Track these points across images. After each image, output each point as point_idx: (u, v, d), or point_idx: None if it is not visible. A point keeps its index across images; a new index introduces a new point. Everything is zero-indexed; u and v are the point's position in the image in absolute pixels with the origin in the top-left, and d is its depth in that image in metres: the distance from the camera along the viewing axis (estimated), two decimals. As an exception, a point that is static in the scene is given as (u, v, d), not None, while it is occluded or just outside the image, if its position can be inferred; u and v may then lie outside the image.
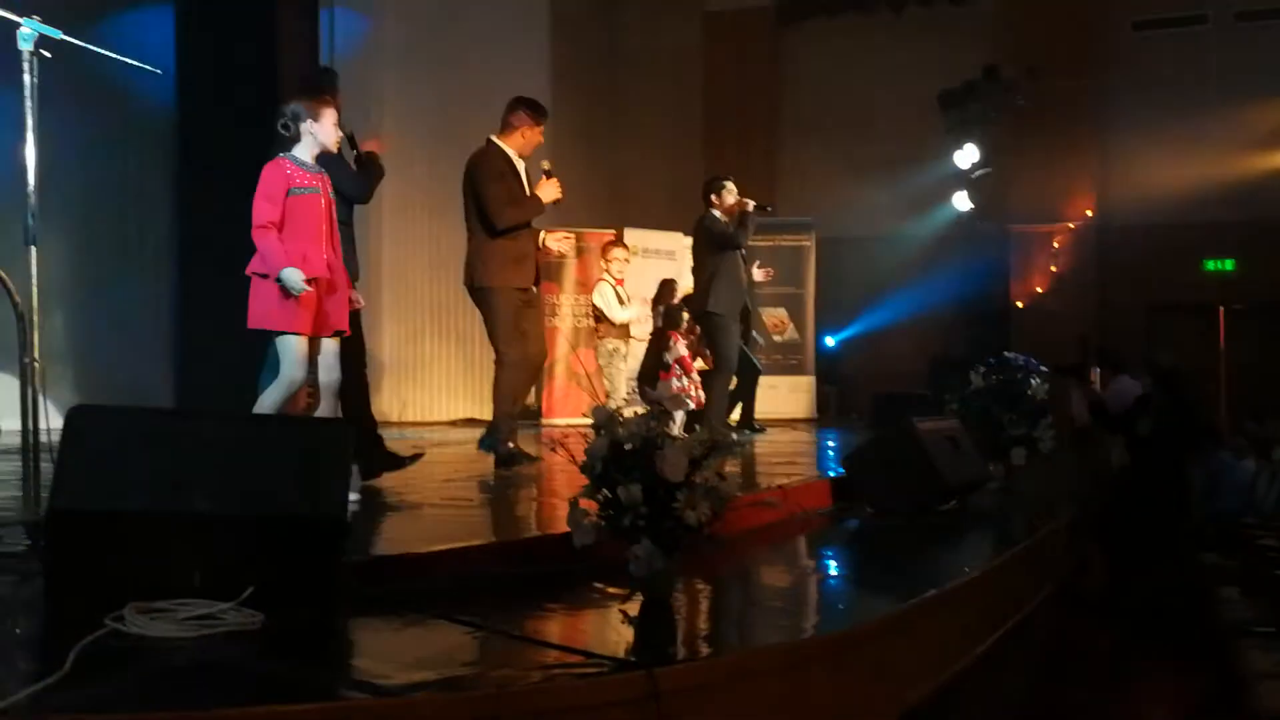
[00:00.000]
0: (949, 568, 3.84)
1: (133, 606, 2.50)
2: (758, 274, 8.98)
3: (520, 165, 6.04)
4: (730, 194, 7.78)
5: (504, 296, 5.91)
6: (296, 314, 4.40)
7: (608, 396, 7.81)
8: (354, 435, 2.97)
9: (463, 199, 6.08)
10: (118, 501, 2.64)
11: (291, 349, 4.41)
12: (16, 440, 3.55)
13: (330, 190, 4.69)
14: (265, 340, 4.62)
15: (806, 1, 14.08)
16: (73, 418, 2.72)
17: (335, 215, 4.71)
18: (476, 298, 6.05)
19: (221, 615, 2.55)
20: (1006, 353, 7.46)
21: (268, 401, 4.39)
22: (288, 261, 4.33)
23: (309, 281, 4.37)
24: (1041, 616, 4.80)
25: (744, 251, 7.99)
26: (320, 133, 4.61)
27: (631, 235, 11.09)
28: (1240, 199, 12.68)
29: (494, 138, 6.05)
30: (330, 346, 4.64)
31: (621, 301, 8.43)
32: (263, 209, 4.43)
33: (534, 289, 6.14)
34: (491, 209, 5.87)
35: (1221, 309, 13.09)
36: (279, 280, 4.32)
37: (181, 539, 2.67)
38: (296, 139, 4.60)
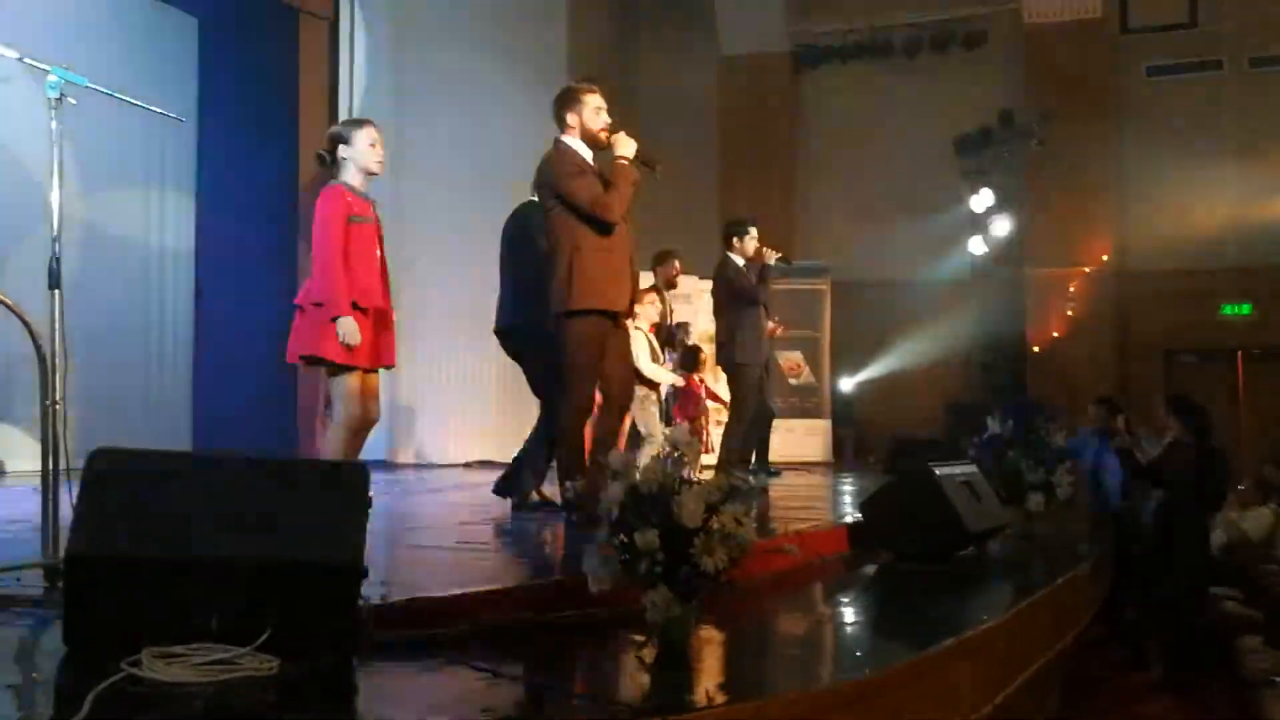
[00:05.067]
0: (968, 615, 3.81)
1: (149, 651, 2.50)
2: (770, 326, 8.78)
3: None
4: (752, 240, 7.73)
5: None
6: (356, 348, 4.34)
7: (644, 440, 7.55)
8: (369, 477, 2.96)
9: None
10: (136, 545, 2.64)
11: (349, 384, 4.35)
12: (33, 481, 3.57)
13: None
14: (291, 373, 4.59)
15: (822, 47, 14.18)
16: (93, 461, 2.73)
17: (383, 242, 4.65)
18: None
19: (238, 660, 2.54)
20: (1023, 397, 7.45)
21: (331, 446, 4.32)
22: (344, 307, 4.26)
23: (365, 313, 4.33)
24: (1064, 663, 4.75)
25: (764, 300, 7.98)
26: (356, 156, 4.54)
27: (647, 278, 11.12)
28: (1257, 243, 12.68)
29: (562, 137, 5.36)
30: (374, 381, 4.59)
31: (655, 355, 7.86)
32: (330, 239, 4.32)
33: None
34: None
35: (1240, 354, 13.03)
36: (335, 322, 4.26)
37: (199, 583, 2.67)
38: (336, 167, 4.54)
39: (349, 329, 4.26)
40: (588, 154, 5.29)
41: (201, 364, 10.45)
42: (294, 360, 4.49)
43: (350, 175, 4.52)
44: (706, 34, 14.50)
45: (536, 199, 5.88)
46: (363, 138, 4.54)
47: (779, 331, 9.02)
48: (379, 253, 4.59)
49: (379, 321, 4.49)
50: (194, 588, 2.67)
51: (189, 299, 10.47)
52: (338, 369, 4.38)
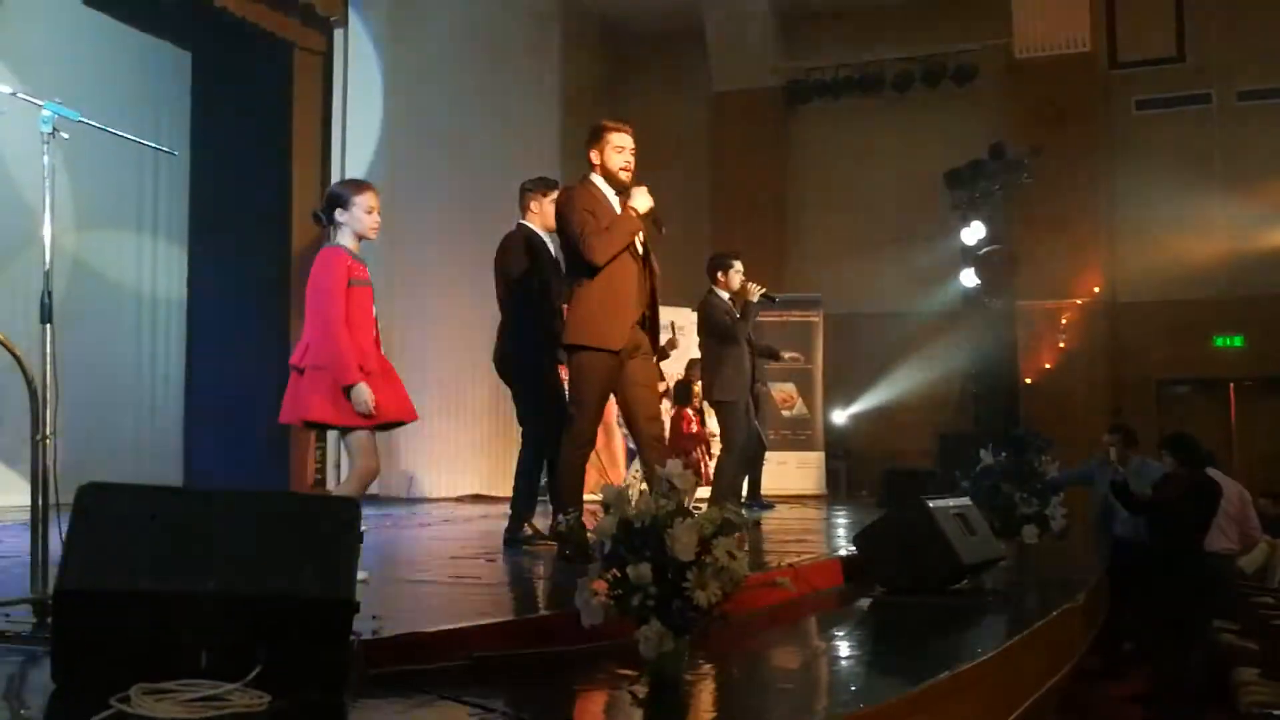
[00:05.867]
0: (962, 648, 3.79)
1: (139, 688, 2.48)
2: (785, 356, 8.74)
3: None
4: (737, 274, 7.65)
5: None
6: (355, 409, 4.34)
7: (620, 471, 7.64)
8: (359, 511, 2.95)
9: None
10: (125, 580, 2.63)
11: (364, 441, 4.37)
12: (22, 517, 3.55)
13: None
14: (285, 428, 4.58)
15: (813, 82, 14.28)
16: (82, 495, 2.72)
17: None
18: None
19: (228, 696, 2.52)
20: (1018, 431, 7.46)
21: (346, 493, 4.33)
22: (353, 374, 4.25)
23: (369, 374, 4.33)
24: (1060, 696, 4.73)
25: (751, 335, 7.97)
26: (353, 221, 4.50)
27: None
28: (1249, 275, 12.74)
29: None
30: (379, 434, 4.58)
31: None
32: (332, 304, 4.31)
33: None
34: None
35: (1232, 385, 13.07)
36: (347, 392, 4.26)
37: (189, 618, 2.65)
38: (333, 227, 4.51)
39: (363, 397, 4.26)
40: (612, 195, 5.29)
41: (194, 403, 10.42)
42: (290, 421, 4.47)
43: (346, 237, 4.50)
44: (698, 70, 14.61)
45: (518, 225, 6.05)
46: (361, 203, 4.49)
47: (794, 359, 8.98)
48: (373, 317, 4.61)
49: (385, 379, 4.48)
50: (184, 623, 2.65)
51: (181, 336, 10.46)
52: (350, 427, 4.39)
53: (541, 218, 6.17)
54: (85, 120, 3.65)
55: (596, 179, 5.31)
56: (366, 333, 4.43)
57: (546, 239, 6.19)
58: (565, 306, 5.53)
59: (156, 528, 2.71)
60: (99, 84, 9.13)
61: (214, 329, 10.30)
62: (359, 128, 11.40)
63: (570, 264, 5.34)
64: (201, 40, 10.50)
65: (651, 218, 5.31)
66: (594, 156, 5.31)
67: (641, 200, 5.22)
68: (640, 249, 5.30)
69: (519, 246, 6.10)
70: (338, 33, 11.65)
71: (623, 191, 5.28)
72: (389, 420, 4.44)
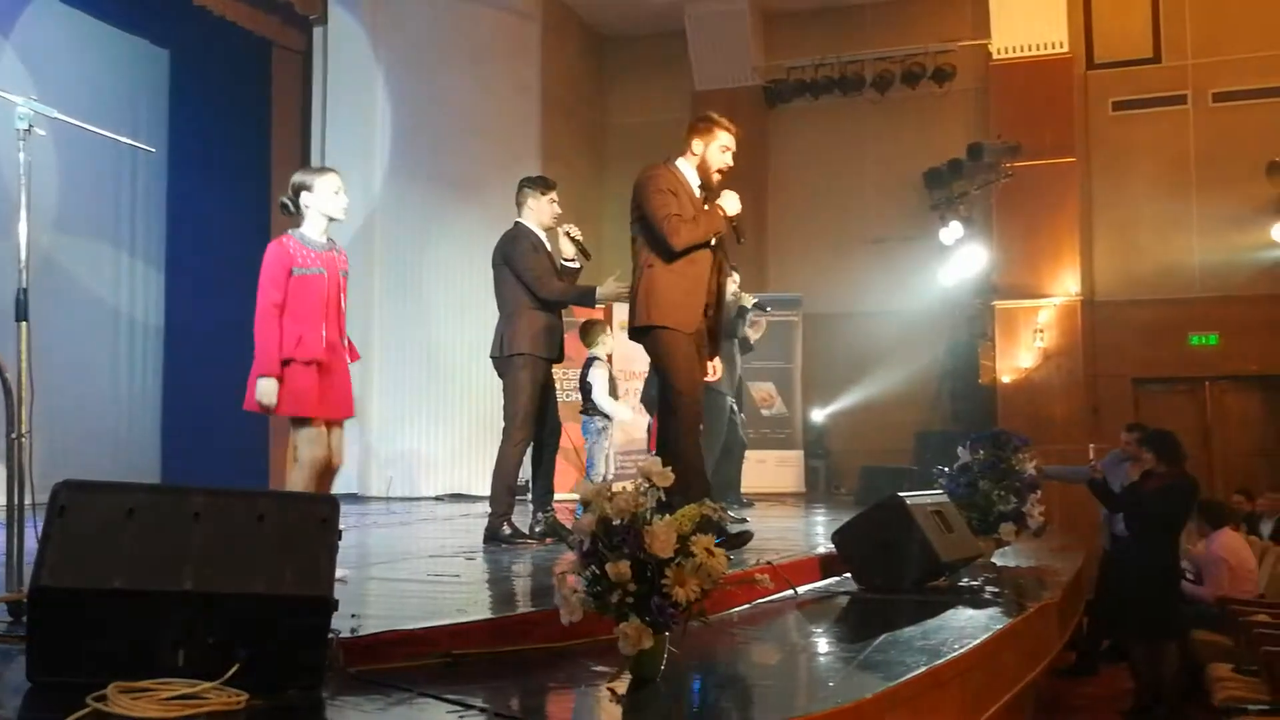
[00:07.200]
0: (940, 644, 3.81)
1: (115, 686, 2.47)
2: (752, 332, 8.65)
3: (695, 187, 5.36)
4: (733, 283, 7.76)
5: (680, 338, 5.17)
6: (300, 398, 4.38)
7: (586, 471, 7.63)
8: (339, 509, 2.94)
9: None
10: (102, 578, 2.61)
11: (307, 430, 4.40)
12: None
13: (342, 270, 4.66)
14: (256, 417, 4.63)
15: (794, 82, 14.31)
16: (58, 493, 2.71)
17: (344, 295, 4.68)
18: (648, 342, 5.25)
19: (205, 695, 2.51)
20: (996, 429, 7.48)
21: (296, 485, 4.37)
22: (270, 367, 4.31)
23: (307, 364, 4.36)
24: (1037, 691, 4.76)
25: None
26: (319, 203, 4.55)
27: (621, 312, 11.14)
28: (1224, 274, 12.83)
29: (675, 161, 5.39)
30: (338, 430, 4.62)
31: (614, 390, 7.80)
32: (265, 293, 4.38)
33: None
34: (664, 228, 5.08)
35: (1207, 384, 13.17)
36: (257, 378, 4.31)
37: (166, 617, 2.64)
38: (300, 214, 4.56)
39: (266, 389, 4.31)
40: (694, 184, 5.31)
41: (171, 400, 10.37)
42: (247, 408, 4.51)
43: (312, 223, 4.55)
44: (679, 69, 14.60)
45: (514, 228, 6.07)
46: (326, 185, 4.56)
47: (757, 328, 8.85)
48: (339, 302, 4.61)
49: (325, 372, 4.49)
50: (161, 621, 2.64)
51: (158, 333, 10.40)
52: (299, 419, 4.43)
53: (537, 215, 6.24)
54: (61, 116, 3.63)
55: (684, 165, 5.32)
56: (310, 323, 4.43)
57: (543, 237, 6.26)
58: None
59: (133, 525, 2.70)
60: (76, 81, 9.08)
61: (191, 326, 10.26)
62: (339, 126, 11.37)
63: (649, 242, 5.20)
64: (180, 38, 10.45)
65: (734, 223, 5.32)
66: (696, 145, 5.31)
67: (732, 204, 5.27)
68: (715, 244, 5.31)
69: (524, 242, 6.14)
70: (317, 31, 11.63)
71: (705, 186, 5.33)
72: (310, 414, 4.46)
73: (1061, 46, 13.41)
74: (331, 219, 4.61)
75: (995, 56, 13.60)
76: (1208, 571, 7.77)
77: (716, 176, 5.34)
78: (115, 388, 10.01)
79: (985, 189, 13.13)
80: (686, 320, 5.17)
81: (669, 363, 5.13)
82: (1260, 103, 12.98)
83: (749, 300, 7.81)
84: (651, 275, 5.13)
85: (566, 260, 6.27)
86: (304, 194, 4.55)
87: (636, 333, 5.22)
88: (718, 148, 5.31)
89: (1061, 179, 13.12)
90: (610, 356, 8.01)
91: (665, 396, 5.18)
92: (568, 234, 6.28)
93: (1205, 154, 13.08)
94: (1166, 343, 13.03)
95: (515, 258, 6.07)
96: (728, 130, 5.35)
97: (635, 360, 9.34)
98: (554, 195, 6.28)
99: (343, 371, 4.62)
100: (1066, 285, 13.08)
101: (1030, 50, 13.48)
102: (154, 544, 2.68)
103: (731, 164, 5.37)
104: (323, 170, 4.70)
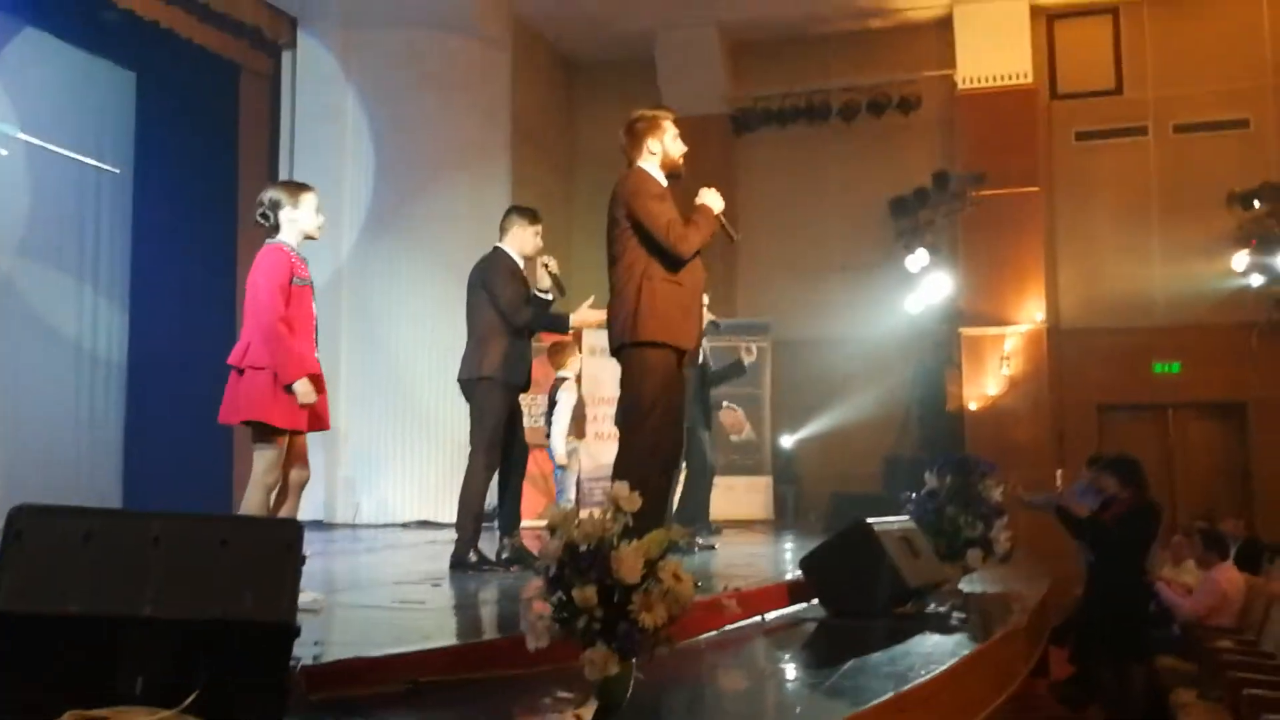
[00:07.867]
0: (906, 670, 3.81)
1: (72, 715, 2.42)
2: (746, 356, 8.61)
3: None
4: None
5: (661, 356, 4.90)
6: (295, 411, 4.34)
7: (553, 497, 7.64)
8: (302, 534, 2.91)
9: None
10: (59, 604, 2.57)
11: (271, 455, 4.34)
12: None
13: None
14: (221, 439, 4.57)
15: (760, 111, 14.42)
16: (14, 518, 2.66)
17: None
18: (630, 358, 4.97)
19: (163, 723, 2.47)
20: (963, 454, 7.49)
21: (250, 506, 4.31)
22: (302, 370, 4.27)
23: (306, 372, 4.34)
24: (1004, 717, 4.76)
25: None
26: (300, 219, 4.53)
27: (590, 336, 11.14)
28: (1186, 303, 13.01)
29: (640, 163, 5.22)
30: (302, 443, 4.58)
31: (581, 410, 7.85)
32: (274, 302, 4.32)
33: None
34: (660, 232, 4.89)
35: (1170, 411, 13.31)
36: (288, 389, 4.26)
37: (124, 643, 2.59)
38: (276, 228, 4.53)
39: (307, 389, 4.28)
40: (663, 184, 5.13)
41: (133, 423, 10.27)
42: (230, 421, 4.44)
43: (291, 237, 4.52)
44: (648, 97, 14.64)
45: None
46: (308, 202, 4.55)
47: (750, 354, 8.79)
48: (314, 319, 4.60)
49: (315, 385, 4.48)
50: (119, 648, 2.60)
51: (122, 354, 10.30)
52: (268, 434, 4.36)
53: (519, 243, 6.29)
54: (25, 136, 3.60)
55: (650, 167, 5.15)
56: (307, 333, 4.43)
57: (522, 264, 6.31)
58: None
59: (92, 550, 2.66)
60: (41, 103, 8.99)
61: (155, 349, 10.17)
62: (307, 151, 11.32)
63: (630, 256, 4.95)
64: (147, 61, 10.39)
65: (723, 221, 5.17)
66: (653, 146, 5.15)
67: (715, 200, 5.09)
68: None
69: (505, 269, 6.19)
70: (285, 56, 11.59)
71: (674, 178, 5.20)
72: (305, 428, 4.44)
73: (1026, 77, 13.61)
74: (309, 237, 4.59)
75: (960, 86, 13.78)
76: (1201, 589, 7.77)
77: (681, 165, 5.22)
78: (77, 410, 9.90)
79: (951, 217, 13.27)
80: (686, 336, 4.93)
81: (642, 380, 4.81)
82: (1219, 134, 13.23)
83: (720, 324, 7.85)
84: (651, 289, 4.86)
85: (540, 291, 6.28)
86: (285, 210, 4.51)
87: (625, 348, 4.90)
88: (670, 138, 5.19)
89: (1026, 207, 13.27)
90: (579, 378, 8.05)
91: (630, 418, 4.88)
92: (545, 266, 6.30)
93: (1167, 184, 13.28)
94: (1130, 370, 13.18)
95: (494, 283, 6.08)
96: (669, 115, 5.26)
97: (604, 384, 9.33)
98: (539, 229, 6.34)
99: (323, 385, 4.60)
100: (1032, 312, 13.21)
101: (995, 81, 13.66)
102: (112, 569, 2.64)
103: (685, 150, 5.23)
104: (303, 187, 4.66)
